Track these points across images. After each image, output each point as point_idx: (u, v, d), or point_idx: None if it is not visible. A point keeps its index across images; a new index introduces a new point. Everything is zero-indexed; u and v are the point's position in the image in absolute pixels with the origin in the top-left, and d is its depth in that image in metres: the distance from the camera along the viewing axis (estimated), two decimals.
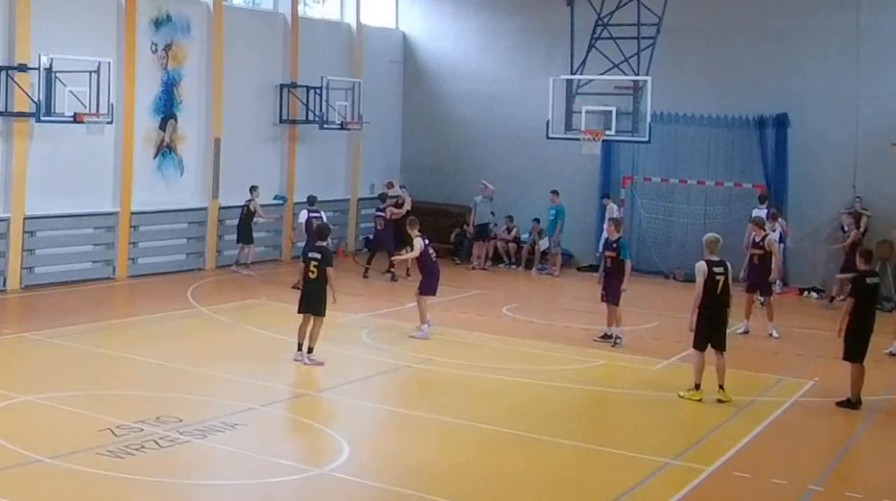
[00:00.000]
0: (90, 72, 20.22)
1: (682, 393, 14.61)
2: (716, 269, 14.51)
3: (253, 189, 23.96)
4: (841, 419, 14.22)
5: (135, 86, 22.64)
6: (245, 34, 25.42)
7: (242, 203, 23.97)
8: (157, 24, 23.30)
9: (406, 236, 19.83)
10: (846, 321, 14.44)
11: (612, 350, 17.62)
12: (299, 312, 15.79)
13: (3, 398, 13.00)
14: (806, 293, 24.25)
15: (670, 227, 26.07)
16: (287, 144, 26.83)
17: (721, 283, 14.49)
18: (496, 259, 26.90)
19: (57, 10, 20.98)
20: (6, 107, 20.28)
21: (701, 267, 14.54)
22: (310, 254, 15.79)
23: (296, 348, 15.80)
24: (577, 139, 23.29)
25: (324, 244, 16.01)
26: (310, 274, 15.67)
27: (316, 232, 16.54)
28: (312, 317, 15.68)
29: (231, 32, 24.82)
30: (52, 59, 19.71)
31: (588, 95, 23.69)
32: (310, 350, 15.61)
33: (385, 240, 24.46)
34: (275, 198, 26.38)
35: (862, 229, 23.12)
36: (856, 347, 14.36)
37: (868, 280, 14.55)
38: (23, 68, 20.19)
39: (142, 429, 11.97)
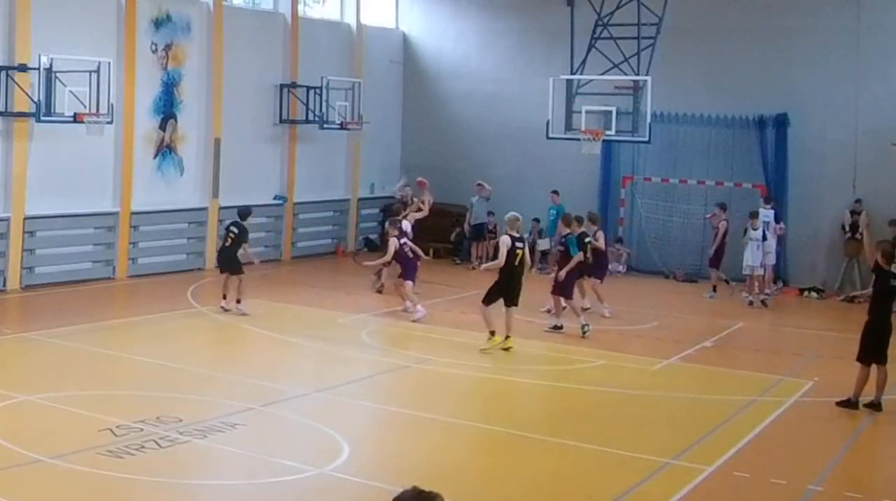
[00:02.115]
0: (90, 72, 20.20)
1: (483, 347, 16.59)
2: (517, 244, 16.74)
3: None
4: (841, 419, 14.21)
5: (135, 86, 22.63)
6: (245, 34, 25.42)
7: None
8: (157, 24, 23.29)
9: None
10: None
11: (612, 350, 17.64)
12: (221, 272, 19.44)
13: (3, 398, 13.00)
14: (806, 293, 24.25)
15: (670, 227, 26.08)
16: (287, 144, 26.83)
17: (520, 255, 16.78)
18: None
19: (57, 10, 20.98)
20: (6, 107, 20.27)
21: (505, 240, 16.70)
22: (230, 226, 19.42)
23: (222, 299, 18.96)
24: (577, 139, 23.31)
25: (243, 223, 19.36)
26: (226, 243, 19.36)
27: (239, 212, 19.64)
28: (235, 277, 18.92)
29: (231, 32, 24.81)
30: (52, 59, 19.70)
31: (588, 95, 23.70)
32: (238, 300, 18.83)
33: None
34: (275, 198, 26.39)
35: (861, 229, 23.05)
36: (871, 348, 14.28)
37: (892, 281, 14.45)
38: (23, 68, 20.18)
39: (142, 429, 11.97)
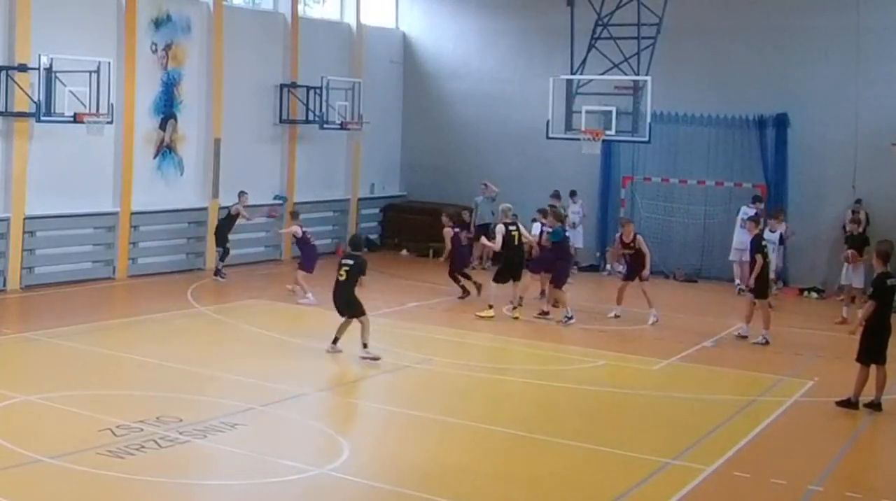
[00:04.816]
0: (90, 72, 20.20)
1: (479, 313, 19.39)
2: (510, 228, 19.75)
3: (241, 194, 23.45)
4: (841, 419, 14.22)
5: (135, 86, 22.63)
6: (245, 34, 25.41)
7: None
8: (157, 24, 23.29)
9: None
10: (864, 323, 14.37)
11: (612, 350, 17.65)
12: (340, 314, 16.41)
13: (3, 398, 13.00)
14: (806, 293, 24.26)
15: (670, 227, 26.07)
16: (287, 144, 26.83)
17: (516, 237, 19.81)
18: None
19: (57, 10, 20.98)
20: (6, 107, 20.27)
21: (500, 228, 19.79)
22: (342, 261, 16.51)
23: (330, 341, 16.35)
24: (577, 139, 23.30)
25: (358, 254, 16.60)
26: (339, 277, 16.26)
27: (350, 243, 17.42)
28: (352, 319, 16.21)
29: (231, 32, 24.81)
30: (52, 59, 19.69)
31: (588, 95, 23.70)
32: (364, 345, 16.04)
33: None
34: (275, 197, 26.36)
35: (861, 228, 23.12)
36: (870, 349, 14.28)
37: (888, 281, 14.46)
38: (23, 68, 20.18)
39: (142, 429, 11.97)
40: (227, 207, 23.82)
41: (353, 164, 28.85)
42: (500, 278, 19.78)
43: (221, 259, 23.21)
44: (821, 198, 24.77)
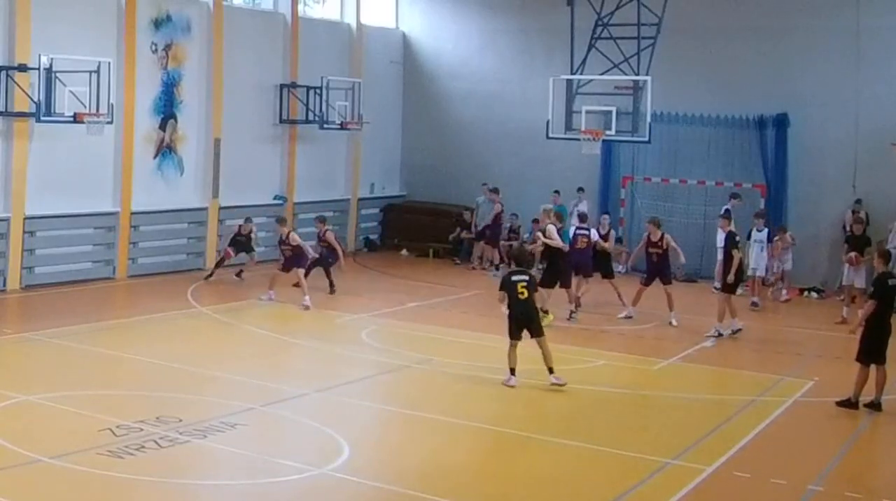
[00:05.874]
0: (90, 72, 20.20)
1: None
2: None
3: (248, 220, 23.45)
4: (841, 419, 14.22)
5: (135, 86, 22.64)
6: (245, 34, 25.41)
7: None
8: (157, 24, 23.29)
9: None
10: (864, 323, 14.37)
11: (612, 350, 17.67)
12: (513, 338, 14.99)
13: (3, 398, 13.00)
14: (806, 293, 24.25)
15: (670, 227, 25.91)
16: (287, 144, 26.83)
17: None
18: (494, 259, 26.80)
19: (57, 10, 20.98)
20: (6, 107, 20.27)
21: (552, 229, 19.32)
22: (515, 278, 15.08)
23: (508, 373, 14.97)
24: (577, 139, 23.30)
25: (524, 268, 15.69)
26: (519, 295, 14.98)
27: (517, 259, 16.42)
28: (535, 340, 15.02)
29: (231, 32, 24.82)
30: (52, 59, 19.70)
31: (588, 95, 23.70)
32: (551, 370, 14.95)
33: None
34: (275, 198, 26.38)
35: (863, 229, 23.12)
36: (870, 349, 14.28)
37: (889, 281, 14.48)
38: (23, 68, 20.18)
39: (142, 429, 11.97)
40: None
41: (353, 164, 28.85)
42: (547, 283, 19.12)
43: (217, 265, 23.20)
44: (821, 198, 24.77)
